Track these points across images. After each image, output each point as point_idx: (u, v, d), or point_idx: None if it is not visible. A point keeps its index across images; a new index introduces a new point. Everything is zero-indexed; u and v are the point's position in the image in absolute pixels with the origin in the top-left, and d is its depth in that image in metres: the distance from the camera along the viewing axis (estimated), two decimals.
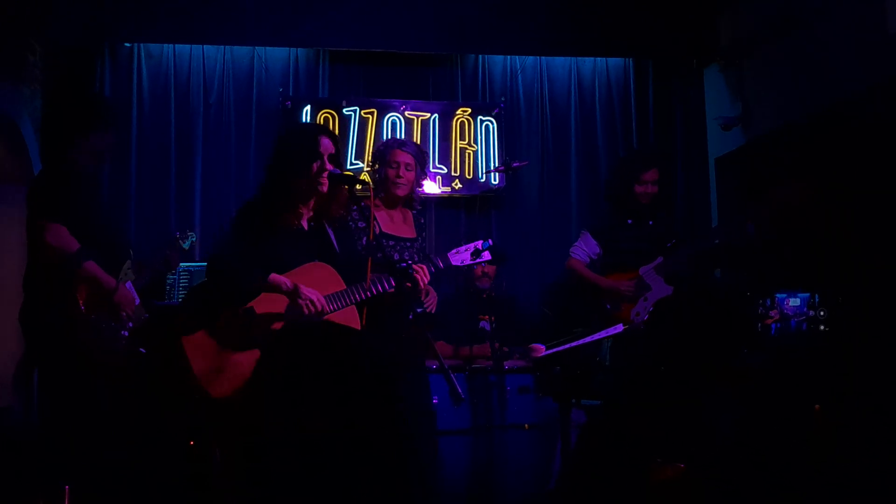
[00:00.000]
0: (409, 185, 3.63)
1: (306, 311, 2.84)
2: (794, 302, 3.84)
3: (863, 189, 4.21)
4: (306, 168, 2.99)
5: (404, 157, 3.60)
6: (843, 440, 3.27)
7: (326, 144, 3.03)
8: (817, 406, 3.45)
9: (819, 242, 4.43)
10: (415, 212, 3.75)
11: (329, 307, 2.91)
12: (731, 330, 3.90)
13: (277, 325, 2.89)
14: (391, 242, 3.50)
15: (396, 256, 3.46)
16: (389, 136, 5.33)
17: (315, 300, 2.85)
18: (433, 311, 3.61)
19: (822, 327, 3.75)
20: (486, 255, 3.20)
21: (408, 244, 3.58)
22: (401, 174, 3.58)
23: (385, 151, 3.65)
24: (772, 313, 3.80)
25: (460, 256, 3.21)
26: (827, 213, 4.39)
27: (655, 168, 4.33)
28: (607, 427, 3.60)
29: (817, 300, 3.80)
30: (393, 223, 3.61)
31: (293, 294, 2.86)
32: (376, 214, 3.42)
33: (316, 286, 2.92)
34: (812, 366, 3.60)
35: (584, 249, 4.41)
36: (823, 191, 4.35)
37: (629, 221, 4.36)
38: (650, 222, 4.36)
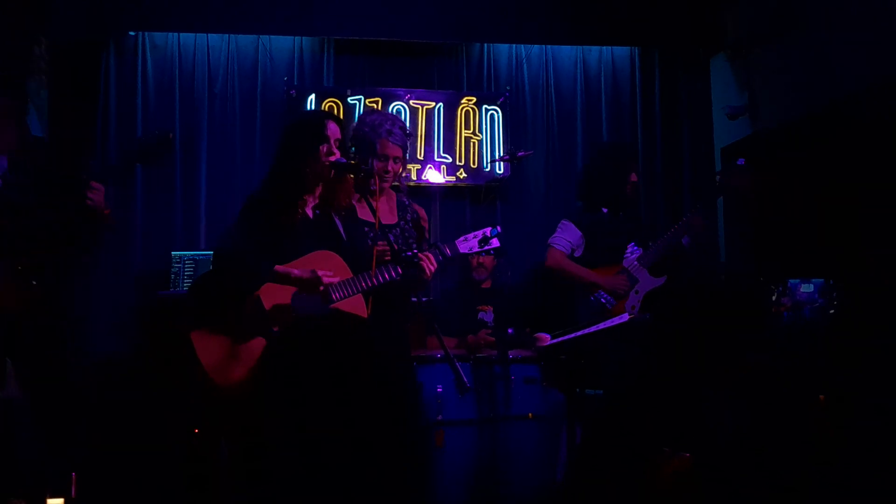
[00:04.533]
0: (395, 177, 3.49)
1: (321, 287, 2.85)
2: (806, 288, 3.78)
3: (869, 182, 4.18)
4: (313, 151, 2.98)
5: (393, 150, 3.42)
6: (850, 433, 3.26)
7: (333, 129, 3.03)
8: (821, 396, 3.44)
9: (823, 233, 4.41)
10: (399, 195, 3.61)
11: (335, 295, 2.91)
12: (738, 319, 3.89)
13: (285, 316, 2.89)
14: (366, 229, 3.34)
15: (369, 243, 3.26)
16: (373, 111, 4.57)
17: (322, 275, 2.85)
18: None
19: (830, 311, 3.69)
20: (495, 242, 3.16)
21: (387, 230, 3.39)
22: (388, 168, 3.41)
23: (373, 139, 3.41)
24: (784, 301, 3.76)
25: (468, 244, 3.17)
26: (832, 205, 4.37)
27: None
28: (613, 418, 3.60)
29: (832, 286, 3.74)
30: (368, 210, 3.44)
31: (300, 281, 2.86)
32: (355, 203, 3.33)
33: None
34: (819, 357, 3.58)
35: (567, 240, 4.25)
36: (826, 185, 4.33)
37: (604, 211, 4.32)
38: (620, 214, 4.33)
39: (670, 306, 4.09)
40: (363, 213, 3.39)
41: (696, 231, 4.17)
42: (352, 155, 3.37)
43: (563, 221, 4.36)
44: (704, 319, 4.06)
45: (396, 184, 3.59)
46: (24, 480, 3.27)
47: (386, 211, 3.50)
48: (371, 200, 3.27)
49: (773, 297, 3.79)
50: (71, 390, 3.29)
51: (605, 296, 4.14)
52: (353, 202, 3.29)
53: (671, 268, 4.21)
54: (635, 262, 4.17)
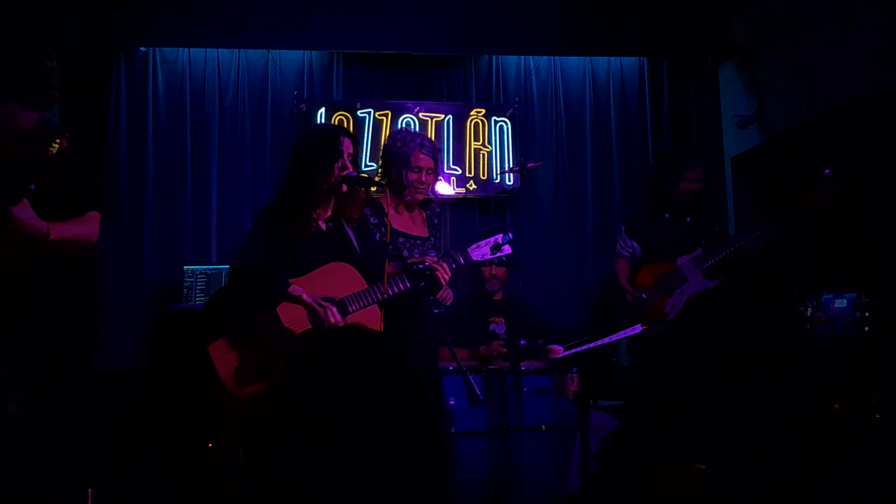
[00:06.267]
0: (428, 189, 3.59)
1: (327, 325, 2.89)
2: (840, 303, 3.72)
3: (882, 188, 4.16)
4: (328, 167, 3.01)
5: (427, 162, 3.52)
6: (871, 443, 3.23)
7: (347, 144, 3.06)
8: (836, 405, 3.41)
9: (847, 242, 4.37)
10: (428, 212, 3.69)
11: (350, 307, 2.94)
12: (768, 330, 3.85)
13: (301, 329, 2.91)
14: (401, 239, 3.44)
15: (406, 253, 3.39)
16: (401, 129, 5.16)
17: (333, 319, 2.89)
18: (447, 305, 3.59)
19: (865, 328, 3.64)
20: (507, 249, 3.16)
21: (418, 242, 3.53)
22: (423, 179, 3.51)
23: (407, 153, 3.51)
24: (818, 315, 3.72)
25: (480, 251, 3.18)
26: (845, 213, 4.34)
27: (700, 167, 4.38)
28: (631, 429, 3.59)
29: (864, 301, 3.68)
30: (404, 221, 3.56)
31: (310, 308, 2.90)
32: (389, 213, 3.39)
33: (338, 286, 2.94)
34: (847, 370, 3.53)
35: (624, 247, 4.46)
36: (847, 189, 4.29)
37: (666, 216, 4.36)
38: (688, 219, 4.35)
39: (699, 313, 4.07)
40: (397, 223, 3.48)
41: (766, 240, 4.11)
42: (377, 170, 3.43)
43: (620, 228, 4.62)
44: (732, 328, 4.03)
45: (430, 196, 3.64)
46: (28, 491, 3.27)
47: (413, 223, 3.58)
48: (388, 208, 3.31)
49: (808, 313, 3.75)
50: (73, 397, 3.29)
51: (645, 291, 4.20)
52: (390, 213, 3.34)
53: (733, 272, 4.17)
54: (690, 262, 4.16)
